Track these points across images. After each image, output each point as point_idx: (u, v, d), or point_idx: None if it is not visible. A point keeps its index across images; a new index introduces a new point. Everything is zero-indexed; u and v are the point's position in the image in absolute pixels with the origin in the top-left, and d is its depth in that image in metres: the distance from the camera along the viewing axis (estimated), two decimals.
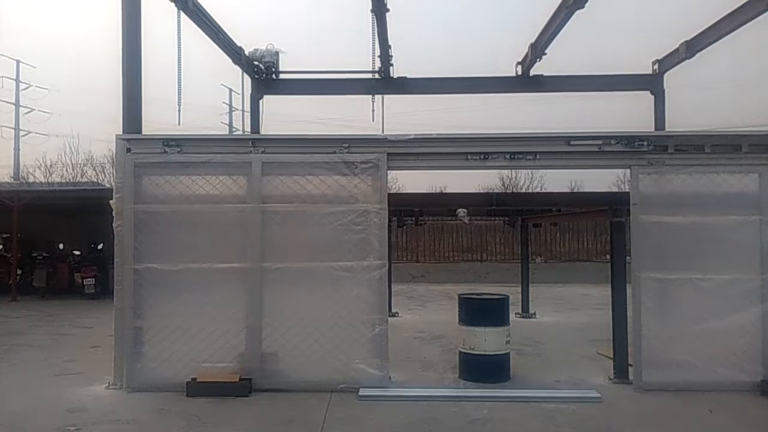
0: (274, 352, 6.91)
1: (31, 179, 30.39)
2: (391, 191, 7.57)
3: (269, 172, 7.07)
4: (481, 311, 7.45)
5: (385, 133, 7.41)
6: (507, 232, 21.84)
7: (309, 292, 7.05)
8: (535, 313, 12.72)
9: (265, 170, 7.04)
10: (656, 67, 12.34)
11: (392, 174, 7.54)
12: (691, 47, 11.04)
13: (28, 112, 40.16)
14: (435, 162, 7.37)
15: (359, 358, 6.87)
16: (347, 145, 7.03)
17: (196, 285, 6.97)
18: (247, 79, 12.87)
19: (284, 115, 20.76)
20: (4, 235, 18.09)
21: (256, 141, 7.16)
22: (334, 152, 7.02)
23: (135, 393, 6.73)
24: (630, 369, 7.05)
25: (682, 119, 13.23)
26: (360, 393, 6.55)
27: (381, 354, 6.88)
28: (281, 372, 6.87)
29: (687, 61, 11.30)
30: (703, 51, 10.91)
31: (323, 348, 6.86)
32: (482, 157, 7.11)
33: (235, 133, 36.04)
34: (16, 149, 39.27)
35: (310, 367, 6.84)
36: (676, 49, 11.49)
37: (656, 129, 11.82)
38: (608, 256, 7.78)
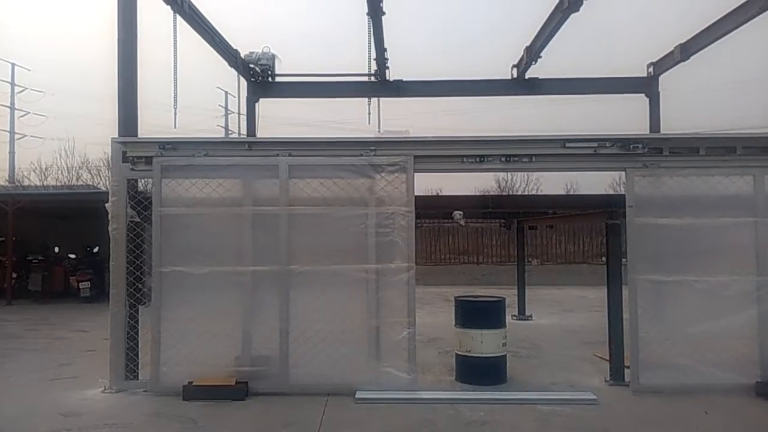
0: (301, 355, 6.87)
1: (26, 182, 30.36)
2: None
3: (296, 174, 7.05)
4: (478, 314, 7.45)
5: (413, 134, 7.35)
6: (503, 234, 21.83)
7: (336, 295, 7.01)
8: (531, 316, 12.73)
9: (292, 173, 7.02)
10: (651, 69, 12.41)
11: None
12: (686, 50, 11.11)
13: (24, 115, 40.06)
14: (437, 165, 7.32)
15: (387, 361, 6.84)
16: (374, 147, 7.01)
17: (222, 288, 6.95)
18: (243, 82, 12.87)
19: (280, 118, 20.76)
20: None
21: (282, 144, 7.12)
22: (361, 155, 7.00)
23: (131, 397, 6.70)
24: (626, 371, 7.06)
25: (677, 122, 13.27)
26: (357, 396, 6.54)
27: (409, 357, 6.83)
28: (309, 375, 6.82)
29: (681, 63, 11.37)
30: (698, 54, 10.97)
31: (350, 351, 6.85)
32: (478, 159, 7.12)
33: (231, 135, 36.00)
34: (11, 152, 39.15)
35: (338, 371, 6.80)
36: (671, 52, 11.56)
37: (651, 131, 11.86)
38: (604, 259, 7.80)
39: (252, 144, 7.27)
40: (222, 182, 7.06)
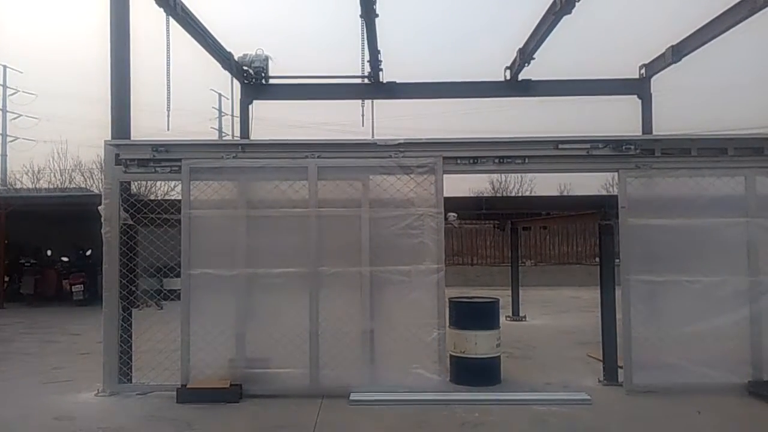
0: (333, 357, 6.86)
1: (18, 185, 30.13)
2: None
3: (325, 176, 7.05)
4: (472, 315, 7.47)
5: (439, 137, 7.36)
6: (497, 235, 21.88)
7: (364, 297, 7.00)
8: (525, 316, 12.76)
9: (321, 175, 7.02)
10: (643, 71, 12.46)
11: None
12: (677, 52, 11.16)
13: (16, 117, 39.87)
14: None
15: (417, 362, 6.82)
16: (403, 149, 7.01)
17: (252, 290, 6.96)
18: (237, 84, 12.86)
19: (274, 120, 20.74)
20: None
21: (311, 146, 7.10)
22: (390, 156, 7.01)
23: (125, 400, 6.68)
24: (619, 371, 7.09)
25: (669, 123, 13.35)
26: (351, 397, 6.53)
27: (439, 358, 6.83)
28: (339, 377, 6.82)
29: (673, 65, 11.42)
30: (690, 56, 11.03)
31: (380, 353, 6.85)
32: (471, 161, 7.13)
33: (224, 138, 35.93)
34: (4, 155, 38.98)
35: (366, 372, 6.81)
36: (663, 54, 11.61)
37: (643, 133, 11.92)
38: (597, 259, 7.83)
39: (281, 146, 7.24)
40: (251, 184, 7.06)
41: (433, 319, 6.86)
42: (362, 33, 10.72)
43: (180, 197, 7.12)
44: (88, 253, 16.45)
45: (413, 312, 6.91)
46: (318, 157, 7.01)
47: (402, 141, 7.07)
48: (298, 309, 6.90)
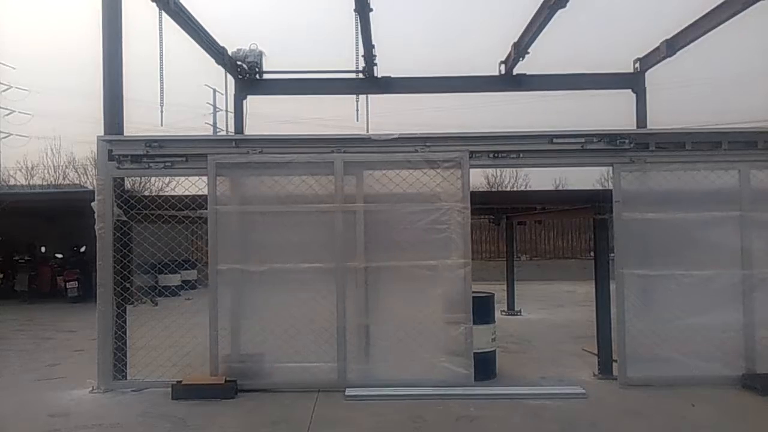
0: (360, 351, 6.89)
1: (11, 182, 29.96)
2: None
3: (351, 171, 7.03)
4: None
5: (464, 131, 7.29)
6: (492, 230, 21.88)
7: (392, 292, 7.04)
8: (520, 311, 12.79)
9: (347, 169, 7.00)
10: (637, 65, 12.45)
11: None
12: (671, 46, 11.15)
13: (9, 113, 39.51)
14: None
15: (444, 357, 6.84)
16: (429, 143, 7.00)
17: (280, 285, 6.95)
18: (231, 79, 12.80)
19: (268, 116, 20.67)
20: None
21: (337, 141, 7.08)
22: (416, 151, 6.99)
23: (120, 396, 6.67)
24: (614, 365, 7.12)
25: (663, 117, 13.37)
26: (346, 393, 6.54)
27: (466, 353, 6.85)
28: (371, 371, 6.86)
29: (668, 59, 11.42)
30: (684, 49, 11.03)
31: (408, 347, 6.86)
32: (469, 155, 7.10)
33: (218, 133, 35.81)
34: None
35: (396, 367, 6.84)
36: (657, 48, 11.60)
37: (638, 127, 11.92)
38: (592, 253, 7.84)
39: (306, 141, 7.21)
40: (277, 179, 7.03)
41: (459, 313, 6.88)
42: (356, 27, 10.67)
43: (173, 193, 7.10)
44: (83, 249, 16.40)
45: (440, 306, 6.91)
46: (344, 152, 6.99)
47: (427, 135, 7.07)
48: (326, 304, 6.91)
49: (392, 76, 12.70)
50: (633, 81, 12.55)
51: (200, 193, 7.64)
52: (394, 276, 6.98)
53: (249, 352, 6.97)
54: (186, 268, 17.43)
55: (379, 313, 7.04)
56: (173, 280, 16.29)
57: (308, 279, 6.95)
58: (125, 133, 7.45)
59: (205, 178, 7.04)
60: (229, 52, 12.21)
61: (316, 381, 6.79)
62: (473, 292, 8.06)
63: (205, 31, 10.84)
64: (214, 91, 37.91)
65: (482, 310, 7.44)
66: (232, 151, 7.04)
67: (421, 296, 7.00)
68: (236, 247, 7.02)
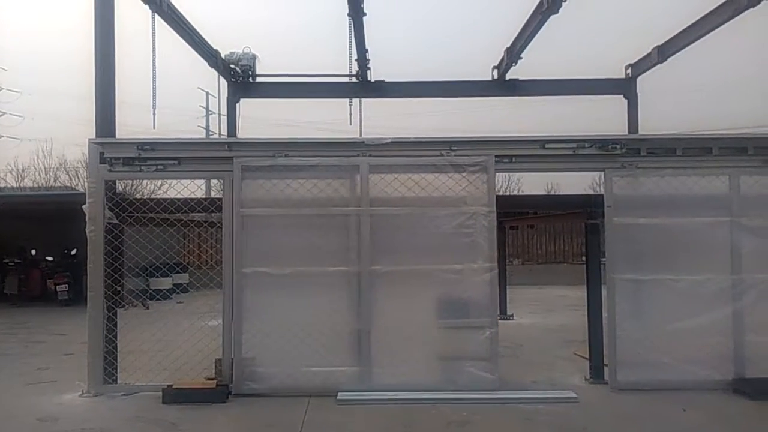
0: (384, 355, 6.84)
1: (2, 184, 29.78)
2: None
3: (376, 174, 7.02)
4: None
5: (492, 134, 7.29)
6: None
7: (417, 295, 7.01)
8: (512, 315, 12.81)
9: (372, 173, 6.99)
10: (629, 71, 12.55)
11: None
12: (663, 52, 11.25)
13: (0, 115, 39.34)
14: None
15: (469, 361, 6.83)
16: (456, 147, 7.00)
17: (304, 288, 6.91)
18: (224, 83, 12.79)
19: (261, 119, 20.65)
20: None
21: (362, 144, 7.06)
22: (441, 154, 6.98)
23: (110, 401, 6.62)
24: (605, 369, 7.13)
25: (655, 123, 13.45)
26: (338, 397, 6.52)
27: (492, 357, 6.83)
28: (390, 375, 6.81)
29: (659, 65, 11.51)
30: (675, 56, 11.12)
31: (433, 352, 6.85)
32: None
33: (211, 136, 35.75)
34: None
35: (418, 371, 6.82)
36: (648, 54, 11.69)
37: (629, 132, 11.99)
38: (584, 258, 7.87)
39: (332, 144, 7.20)
40: (302, 183, 7.01)
41: (485, 318, 6.88)
42: (350, 32, 10.70)
43: (165, 196, 7.06)
44: (74, 252, 16.31)
45: (465, 311, 6.92)
46: (369, 155, 7.00)
47: (452, 139, 7.08)
48: (349, 307, 6.90)
49: (385, 80, 12.74)
50: (625, 87, 12.65)
51: (192, 196, 7.64)
52: (419, 280, 6.96)
53: (269, 356, 6.85)
54: (177, 272, 17.35)
55: (403, 316, 6.97)
56: (165, 283, 16.22)
57: (332, 282, 6.94)
58: (117, 136, 7.42)
59: (197, 182, 7.01)
60: (223, 55, 12.22)
61: (339, 384, 6.72)
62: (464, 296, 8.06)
63: (198, 33, 10.83)
64: (207, 94, 37.86)
65: None
66: (257, 154, 7.01)
67: (446, 300, 6.98)
68: (260, 250, 6.95)
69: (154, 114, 9.29)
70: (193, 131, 37.55)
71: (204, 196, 20.49)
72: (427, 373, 6.84)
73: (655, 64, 11.54)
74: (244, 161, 6.94)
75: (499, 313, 12.58)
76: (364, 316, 6.86)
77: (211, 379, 6.78)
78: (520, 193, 29.78)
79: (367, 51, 11.70)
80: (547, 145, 7.11)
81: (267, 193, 7.01)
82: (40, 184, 28.90)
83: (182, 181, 7.31)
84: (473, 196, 6.98)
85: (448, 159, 6.99)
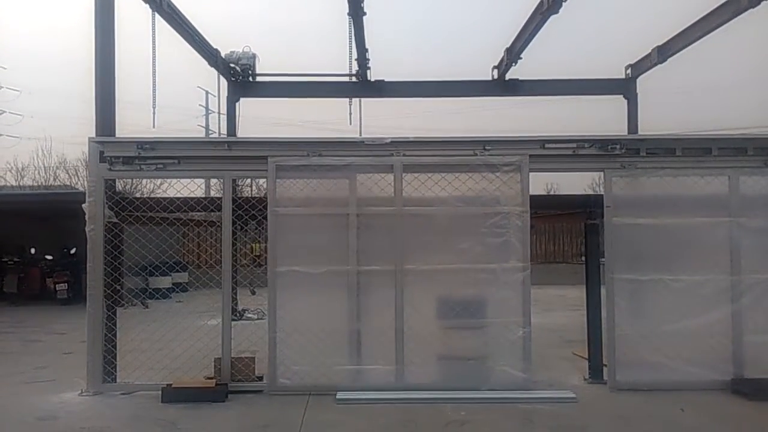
0: (417, 354, 6.86)
1: (2, 183, 29.77)
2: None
3: (409, 174, 7.02)
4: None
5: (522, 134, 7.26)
6: None
7: (452, 295, 7.02)
8: None
9: (406, 172, 6.99)
10: (629, 71, 12.55)
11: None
12: (663, 52, 11.25)
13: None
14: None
15: (503, 360, 6.83)
16: (490, 147, 7.00)
17: (335, 287, 6.93)
18: (224, 82, 12.79)
19: (261, 118, 20.66)
20: None
21: (396, 143, 7.04)
22: (475, 154, 6.98)
23: (109, 400, 6.62)
24: (604, 369, 7.14)
25: (654, 123, 13.45)
26: (337, 396, 6.53)
27: (525, 356, 6.83)
28: (423, 374, 6.84)
29: (659, 65, 11.51)
30: (675, 56, 11.12)
31: (468, 351, 6.87)
32: None
33: (211, 135, 35.71)
34: None
35: (452, 370, 6.84)
36: (648, 54, 11.69)
37: (629, 133, 12.00)
38: (583, 258, 7.87)
39: (365, 144, 7.16)
40: (336, 182, 7.02)
41: (518, 317, 6.89)
42: (350, 31, 10.69)
43: (165, 195, 7.06)
44: (73, 251, 16.30)
45: (499, 310, 6.93)
46: (403, 155, 6.99)
47: (485, 138, 7.07)
48: (383, 306, 6.90)
49: (385, 80, 12.74)
50: (624, 87, 12.65)
51: (192, 195, 7.63)
52: (453, 279, 6.98)
53: (301, 353, 6.85)
54: (177, 271, 17.36)
55: (436, 315, 6.99)
56: (164, 282, 16.24)
57: (366, 281, 6.95)
58: (117, 135, 7.42)
59: (196, 181, 7.01)
60: (223, 55, 12.22)
61: (374, 384, 6.72)
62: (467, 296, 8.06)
63: (198, 32, 10.83)
64: (207, 93, 37.81)
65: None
66: (287, 153, 7.01)
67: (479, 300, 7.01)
68: (294, 249, 6.96)
69: (154, 113, 9.30)
70: (193, 130, 37.55)
71: (203, 196, 20.48)
72: (460, 371, 6.84)
73: (655, 64, 11.54)
74: (278, 161, 6.95)
75: None
76: (398, 315, 6.86)
77: (211, 378, 6.80)
78: None
79: (367, 51, 11.70)
80: (546, 145, 7.11)
81: (300, 192, 7.03)
82: (39, 183, 28.88)
83: (182, 180, 7.29)
84: (507, 195, 6.99)
85: (482, 158, 6.99)
